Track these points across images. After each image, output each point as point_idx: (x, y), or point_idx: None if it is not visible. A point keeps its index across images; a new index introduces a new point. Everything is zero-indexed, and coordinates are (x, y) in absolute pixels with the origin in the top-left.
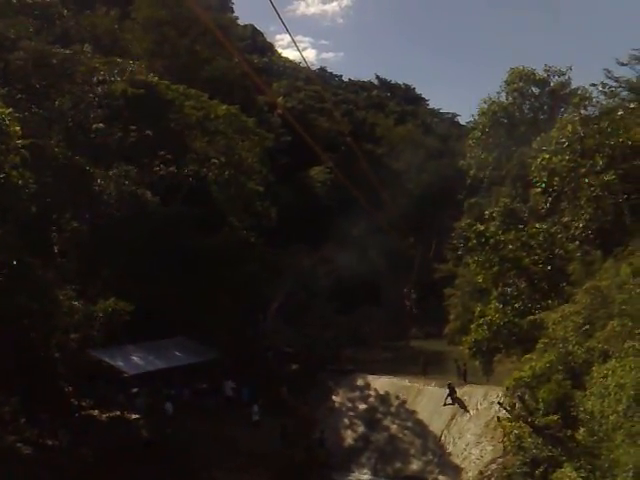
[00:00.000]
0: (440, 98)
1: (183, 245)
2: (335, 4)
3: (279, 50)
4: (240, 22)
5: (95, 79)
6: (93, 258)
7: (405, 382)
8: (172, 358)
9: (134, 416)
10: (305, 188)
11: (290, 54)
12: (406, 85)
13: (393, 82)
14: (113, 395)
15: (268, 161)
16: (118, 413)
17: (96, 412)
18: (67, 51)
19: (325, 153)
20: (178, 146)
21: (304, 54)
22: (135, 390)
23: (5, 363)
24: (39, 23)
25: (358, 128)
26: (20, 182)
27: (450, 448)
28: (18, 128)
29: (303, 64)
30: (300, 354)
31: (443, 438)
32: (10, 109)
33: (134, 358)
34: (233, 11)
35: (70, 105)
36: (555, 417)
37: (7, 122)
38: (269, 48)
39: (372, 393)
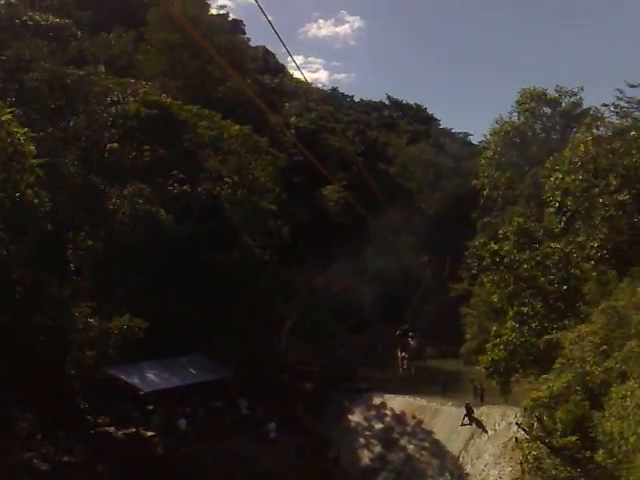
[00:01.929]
0: (452, 118)
1: (197, 263)
2: (347, 26)
3: (291, 71)
4: (252, 44)
5: (109, 99)
6: (108, 276)
7: (422, 402)
8: (187, 375)
9: (149, 433)
10: (318, 206)
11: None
12: (417, 105)
13: (405, 102)
14: (129, 412)
15: (281, 180)
16: (134, 430)
17: (112, 429)
18: (81, 72)
19: (338, 172)
20: (191, 165)
21: (316, 75)
22: (151, 407)
23: (21, 380)
24: (53, 44)
25: (370, 148)
26: (36, 201)
27: (468, 469)
28: (33, 148)
29: (315, 85)
30: (314, 372)
31: (461, 459)
32: (25, 129)
33: (149, 375)
34: (245, 33)
35: (84, 125)
36: (573, 438)
37: (22, 142)
38: (281, 69)
39: (388, 412)
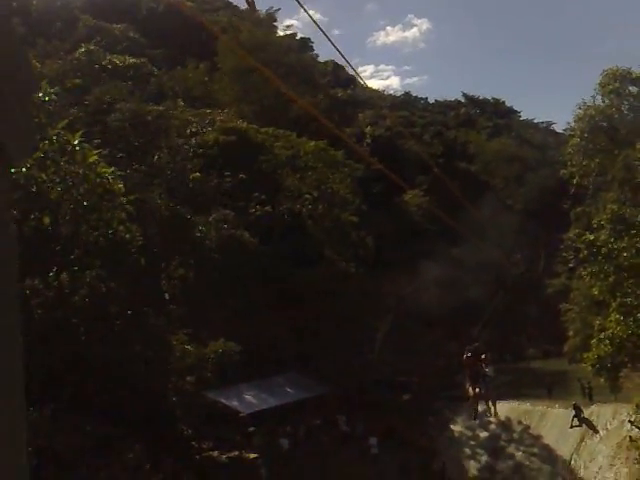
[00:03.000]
0: (533, 108)
1: (284, 281)
2: (415, 30)
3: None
4: (321, 59)
5: (189, 131)
6: (201, 302)
7: (527, 406)
8: (284, 395)
9: (252, 455)
10: (400, 213)
11: (374, 83)
12: (495, 99)
13: (481, 98)
14: (230, 435)
15: (360, 191)
16: (237, 453)
17: (216, 453)
18: (161, 107)
19: (417, 176)
20: (271, 186)
21: (388, 82)
22: (251, 429)
23: (126, 411)
24: (133, 84)
25: (449, 148)
26: (128, 236)
27: (582, 473)
28: (121, 185)
29: (387, 91)
30: (412, 383)
31: (573, 462)
32: (112, 168)
33: (248, 397)
34: (313, 49)
35: (167, 158)
36: None
37: (111, 181)
38: (352, 80)
39: (493, 420)
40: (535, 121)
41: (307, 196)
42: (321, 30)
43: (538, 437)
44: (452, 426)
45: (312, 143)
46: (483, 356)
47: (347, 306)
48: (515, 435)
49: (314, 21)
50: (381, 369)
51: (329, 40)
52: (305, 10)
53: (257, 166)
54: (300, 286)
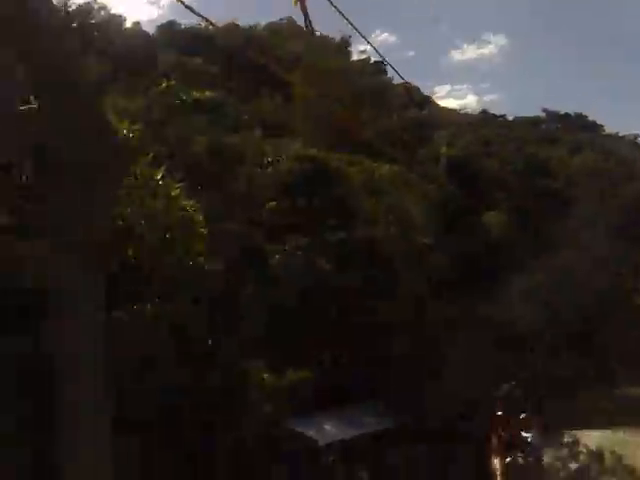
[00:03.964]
0: (617, 121)
1: (360, 309)
2: (492, 46)
3: (437, 101)
4: (395, 82)
5: (265, 160)
6: (277, 331)
7: (621, 435)
8: (363, 424)
9: None
10: (479, 233)
11: (451, 103)
12: (577, 113)
13: (563, 112)
14: (310, 468)
15: (436, 212)
16: None
17: None
18: (238, 138)
19: (496, 195)
20: (346, 211)
21: (464, 101)
22: (331, 459)
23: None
24: (211, 116)
25: (529, 165)
26: (206, 267)
27: None
28: (201, 217)
29: (464, 110)
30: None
31: None
32: (192, 200)
33: (326, 427)
34: (386, 72)
35: (244, 188)
36: None
37: (192, 213)
38: (426, 101)
39: (583, 450)
40: (620, 134)
41: (381, 220)
42: (382, 57)
43: (633, 470)
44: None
45: (387, 166)
46: (523, 415)
47: (425, 331)
48: (607, 466)
49: (377, 51)
50: (463, 399)
51: (390, 65)
52: (368, 42)
53: (332, 192)
54: (376, 313)
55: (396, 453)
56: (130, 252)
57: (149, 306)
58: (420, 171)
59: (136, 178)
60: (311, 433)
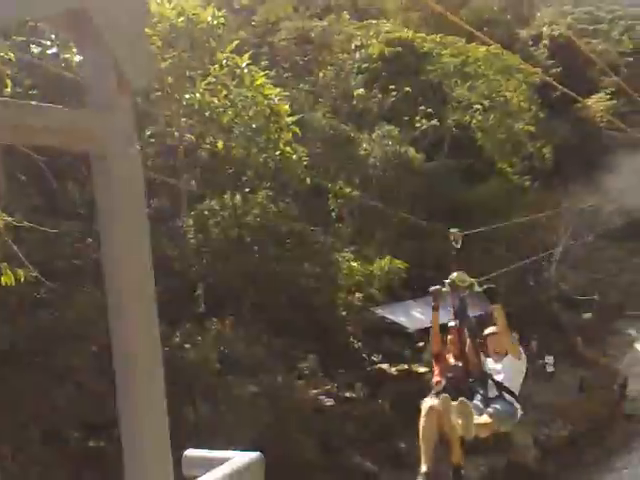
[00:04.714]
0: None
1: (451, 198)
2: None
3: None
4: None
5: (353, 45)
6: (366, 220)
7: None
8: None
9: (421, 369)
10: (582, 120)
11: None
12: None
13: None
14: (399, 350)
15: (537, 98)
16: (406, 367)
17: (385, 366)
18: (325, 22)
19: (602, 79)
20: (438, 97)
21: None
22: (420, 344)
23: (299, 324)
24: (297, 0)
25: None
26: (294, 157)
27: None
28: (287, 106)
29: None
30: (592, 301)
31: None
32: (278, 89)
33: (415, 313)
34: None
35: (332, 76)
36: None
37: (277, 102)
38: None
39: None
40: None
41: (477, 106)
42: None
43: None
44: (637, 345)
45: (483, 48)
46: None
47: (520, 222)
48: None
49: None
50: (558, 286)
51: None
52: None
53: (423, 77)
54: (469, 203)
55: None
56: (220, 144)
57: (238, 196)
58: (520, 54)
59: (222, 67)
60: (401, 319)
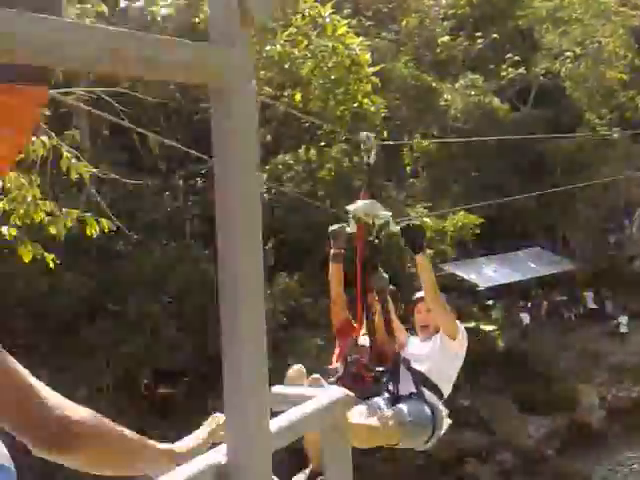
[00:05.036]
0: None
1: (535, 150)
2: None
3: None
4: None
5: None
6: (442, 174)
7: None
8: (527, 270)
9: (489, 327)
10: None
11: None
12: None
13: None
14: (467, 307)
15: (633, 43)
16: (473, 324)
17: None
18: None
19: None
20: (528, 44)
21: None
22: (490, 302)
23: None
24: None
25: None
26: (372, 109)
27: None
28: (368, 56)
29: None
30: None
31: None
32: (360, 38)
33: (487, 271)
34: None
35: (416, 23)
36: None
37: (358, 52)
38: None
39: None
40: None
41: (568, 54)
42: None
43: None
44: None
45: None
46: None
47: (605, 176)
48: None
49: None
50: (638, 245)
51: None
52: None
53: (513, 23)
54: (554, 156)
55: (561, 297)
56: (298, 96)
57: (313, 151)
58: None
59: (304, 17)
60: (472, 276)
